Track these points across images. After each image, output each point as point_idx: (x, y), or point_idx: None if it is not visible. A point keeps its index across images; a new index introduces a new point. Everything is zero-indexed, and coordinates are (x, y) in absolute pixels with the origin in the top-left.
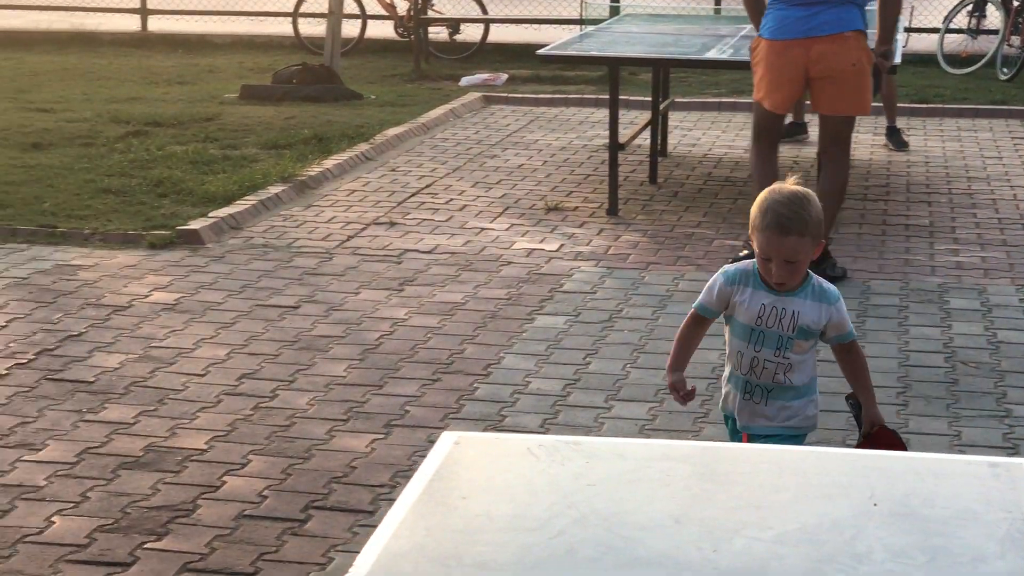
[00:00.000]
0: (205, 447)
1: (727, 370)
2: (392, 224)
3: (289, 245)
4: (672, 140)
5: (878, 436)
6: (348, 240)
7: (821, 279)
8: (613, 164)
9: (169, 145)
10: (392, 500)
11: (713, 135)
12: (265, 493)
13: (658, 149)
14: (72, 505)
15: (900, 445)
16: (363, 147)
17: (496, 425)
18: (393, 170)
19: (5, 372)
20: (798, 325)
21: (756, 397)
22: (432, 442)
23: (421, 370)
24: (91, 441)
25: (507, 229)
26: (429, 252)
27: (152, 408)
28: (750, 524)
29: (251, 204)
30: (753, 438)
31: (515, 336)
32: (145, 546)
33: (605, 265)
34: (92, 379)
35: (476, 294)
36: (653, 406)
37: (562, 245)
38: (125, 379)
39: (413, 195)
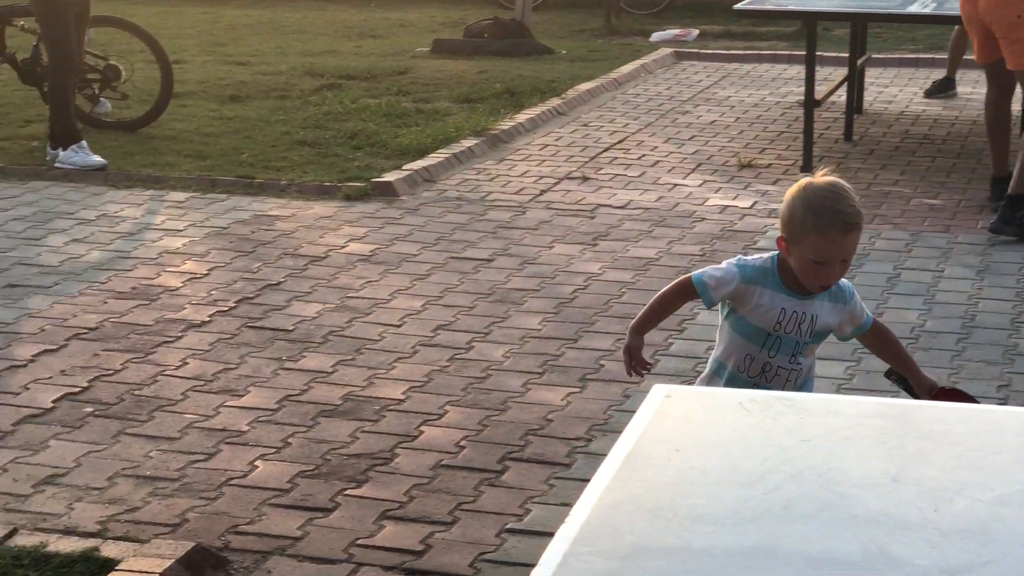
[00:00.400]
0: (402, 397)
1: (724, 368)
2: (584, 179)
3: (483, 198)
4: (867, 97)
5: (943, 396)
6: (541, 194)
7: None
8: (808, 120)
9: (362, 98)
10: (588, 454)
11: (910, 92)
12: (462, 444)
13: (854, 106)
14: (274, 451)
15: (971, 400)
16: (555, 102)
17: (691, 381)
18: (585, 125)
19: (208, 319)
20: (815, 330)
21: None
22: (627, 397)
23: (615, 325)
24: (291, 389)
25: (700, 185)
26: (622, 207)
27: (350, 358)
28: (971, 485)
29: (444, 157)
30: None
31: None
32: (345, 492)
33: None
34: (291, 328)
35: (670, 250)
36: (850, 365)
37: (755, 202)
38: (323, 328)
39: (605, 150)
